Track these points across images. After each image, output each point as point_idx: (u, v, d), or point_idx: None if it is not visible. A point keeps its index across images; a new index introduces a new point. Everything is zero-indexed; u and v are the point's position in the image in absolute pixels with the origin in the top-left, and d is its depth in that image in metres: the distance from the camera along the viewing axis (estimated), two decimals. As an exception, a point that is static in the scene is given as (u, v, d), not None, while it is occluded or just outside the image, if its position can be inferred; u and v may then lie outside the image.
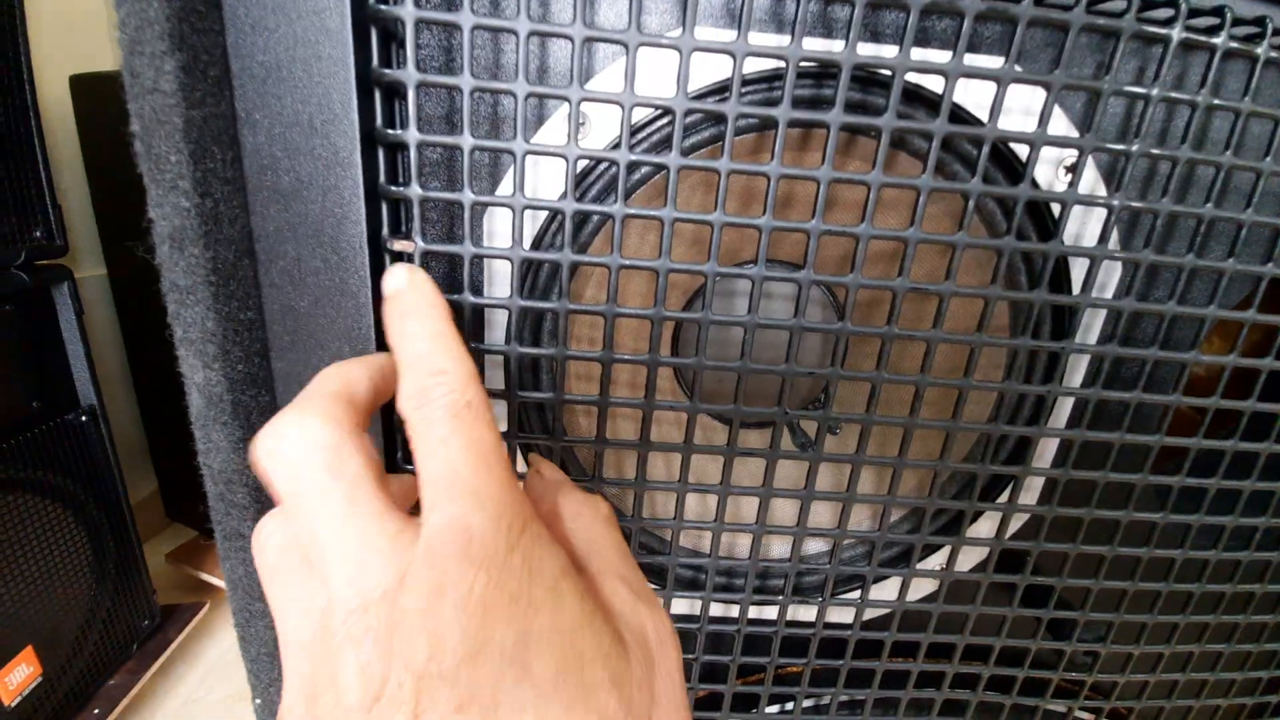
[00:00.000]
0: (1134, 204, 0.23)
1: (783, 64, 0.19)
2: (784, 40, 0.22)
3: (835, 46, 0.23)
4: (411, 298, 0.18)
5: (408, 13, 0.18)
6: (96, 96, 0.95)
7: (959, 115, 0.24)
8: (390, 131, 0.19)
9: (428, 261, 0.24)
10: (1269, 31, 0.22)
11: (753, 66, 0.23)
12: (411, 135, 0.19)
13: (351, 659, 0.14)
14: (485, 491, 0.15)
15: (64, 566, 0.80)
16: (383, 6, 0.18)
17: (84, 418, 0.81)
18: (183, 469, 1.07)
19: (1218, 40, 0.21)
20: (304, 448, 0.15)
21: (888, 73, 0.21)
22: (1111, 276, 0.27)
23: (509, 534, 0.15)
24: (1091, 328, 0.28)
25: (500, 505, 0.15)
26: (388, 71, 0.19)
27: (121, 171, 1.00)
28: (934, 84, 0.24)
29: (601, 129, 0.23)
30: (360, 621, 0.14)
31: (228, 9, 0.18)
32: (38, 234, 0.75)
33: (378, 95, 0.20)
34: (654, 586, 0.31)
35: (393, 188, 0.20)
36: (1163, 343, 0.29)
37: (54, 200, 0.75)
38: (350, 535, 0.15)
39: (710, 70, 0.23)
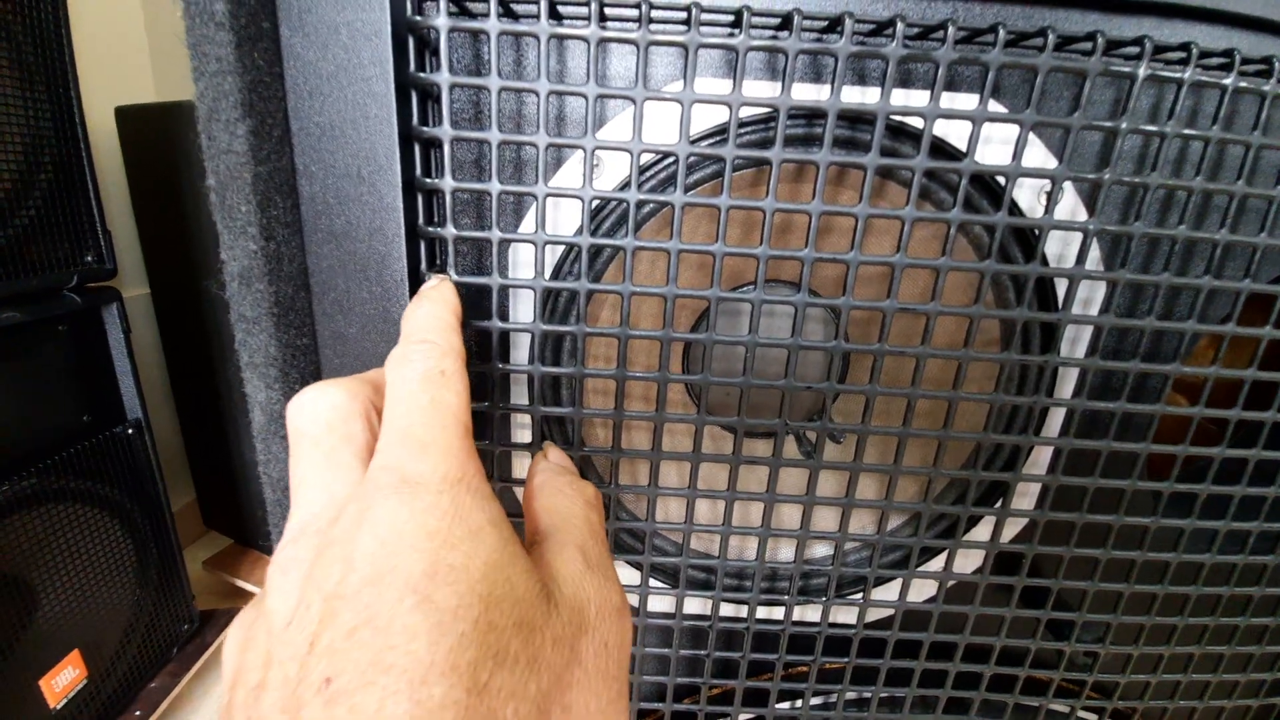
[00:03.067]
0: (1108, 227, 0.24)
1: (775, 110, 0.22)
2: (776, 88, 0.24)
3: (824, 91, 0.25)
4: (432, 293, 0.21)
5: (443, 78, 0.20)
6: (139, 126, 1.00)
7: (943, 148, 0.26)
8: (428, 180, 0.22)
9: (458, 290, 0.26)
10: (1236, 61, 0.24)
11: (750, 111, 0.25)
12: (447, 183, 0.21)
13: (277, 585, 0.15)
14: (430, 441, 0.16)
15: (111, 572, 0.83)
16: (421, 74, 0.21)
17: (130, 430, 0.85)
18: (219, 480, 1.12)
19: (1185, 74, 0.23)
20: (317, 406, 0.18)
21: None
22: (1097, 293, 0.29)
23: (442, 481, 0.16)
24: (1079, 341, 0.29)
25: (442, 456, 0.16)
26: (426, 129, 0.22)
27: (162, 197, 1.05)
28: (919, 121, 0.26)
29: (614, 169, 0.26)
30: (291, 551, 0.15)
31: (289, 79, 0.21)
32: (89, 258, 0.79)
33: (416, 148, 0.22)
34: (664, 585, 0.34)
35: (430, 228, 0.23)
36: (1151, 355, 0.30)
37: (104, 226, 0.79)
38: (319, 481, 0.17)
39: (713, 115, 0.25)
